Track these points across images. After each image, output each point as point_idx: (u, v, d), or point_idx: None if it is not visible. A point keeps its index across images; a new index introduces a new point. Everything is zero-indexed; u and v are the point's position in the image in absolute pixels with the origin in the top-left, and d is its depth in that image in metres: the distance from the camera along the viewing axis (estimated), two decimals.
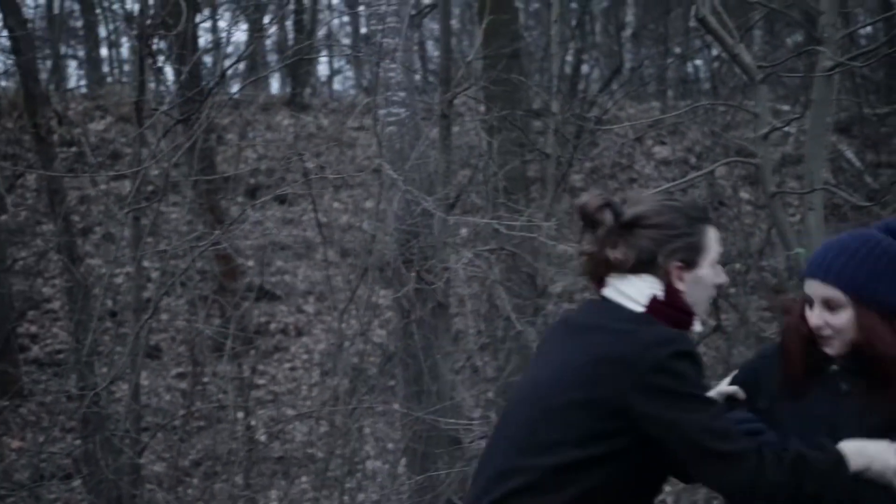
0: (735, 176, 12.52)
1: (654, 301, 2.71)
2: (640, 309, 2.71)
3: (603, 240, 2.73)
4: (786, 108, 13.21)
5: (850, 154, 13.09)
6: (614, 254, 2.71)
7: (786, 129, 13.40)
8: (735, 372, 3.03)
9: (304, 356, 10.97)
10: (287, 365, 10.96)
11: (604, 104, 12.28)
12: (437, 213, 5.70)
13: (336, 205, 11.12)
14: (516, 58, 9.83)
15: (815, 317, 2.77)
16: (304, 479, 7.72)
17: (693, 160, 13.15)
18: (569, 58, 15.45)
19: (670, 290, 2.72)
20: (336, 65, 15.68)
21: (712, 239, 2.80)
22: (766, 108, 5.69)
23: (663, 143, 14.50)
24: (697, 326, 2.79)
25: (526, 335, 6.00)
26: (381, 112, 6.46)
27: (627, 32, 16.50)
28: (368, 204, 8.18)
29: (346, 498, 6.70)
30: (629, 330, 2.65)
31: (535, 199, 9.39)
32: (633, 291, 2.72)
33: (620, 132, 13.71)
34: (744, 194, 13.01)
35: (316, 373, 9.58)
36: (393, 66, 6.38)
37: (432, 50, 15.73)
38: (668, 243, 2.72)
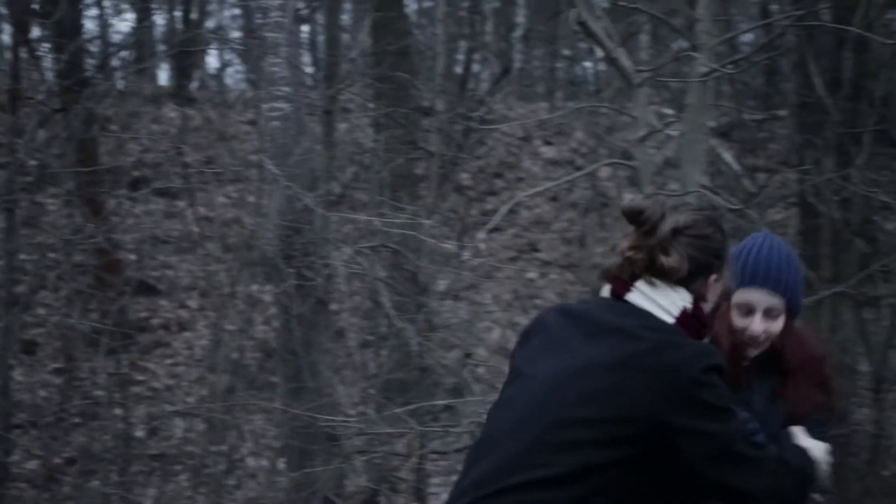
0: (618, 178, 12.73)
1: (684, 313, 2.70)
2: (670, 319, 2.69)
3: (655, 246, 2.69)
4: (669, 111, 13.48)
5: (728, 158, 13.41)
6: (669, 261, 2.69)
7: (669, 132, 13.68)
8: None
9: (186, 352, 10.79)
10: (168, 361, 10.77)
11: (491, 104, 12.39)
12: (318, 210, 5.67)
13: (221, 199, 10.98)
14: (405, 55, 9.82)
15: (757, 324, 2.88)
16: (182, 476, 7.62)
17: (579, 161, 13.34)
18: (460, 56, 15.54)
19: (697, 303, 2.73)
20: (226, 58, 15.47)
21: (730, 252, 2.85)
22: (643, 112, 5.81)
23: (550, 144, 14.65)
24: (706, 341, 2.80)
25: (407, 333, 6.01)
26: (265, 107, 6.42)
27: (518, 33, 16.62)
28: (252, 199, 8.09)
29: (224, 495, 6.64)
30: (665, 341, 2.64)
31: (422, 197, 9.41)
32: (666, 302, 2.70)
33: (509, 131, 13.85)
34: (628, 195, 13.23)
35: (197, 369, 9.45)
36: (277, 60, 6.34)
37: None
38: (712, 255, 2.73)
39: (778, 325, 2.88)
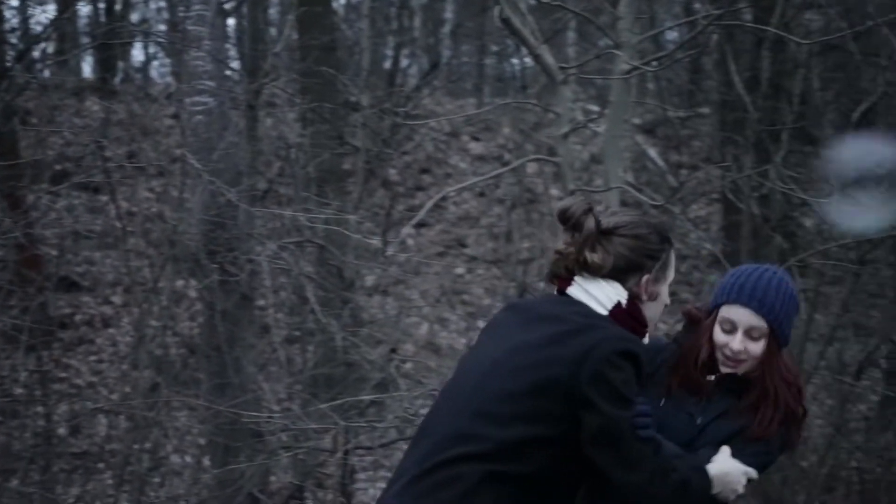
0: (545, 174, 12.82)
1: (617, 307, 2.84)
2: (603, 312, 2.83)
3: (582, 243, 2.83)
4: (595, 107, 13.60)
5: (653, 154, 13.59)
6: (593, 257, 2.83)
7: (595, 128, 13.80)
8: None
9: (111, 348, 10.66)
10: (92, 357, 10.62)
11: (419, 99, 12.40)
12: (242, 205, 5.64)
13: (145, 194, 10.85)
14: (332, 50, 9.79)
15: (738, 342, 2.97)
16: (105, 474, 7.52)
17: (506, 157, 13.40)
18: (389, 52, 15.51)
19: (633, 300, 2.86)
20: (151, 52, 15.27)
21: (673, 260, 2.96)
22: (566, 108, 5.86)
23: (478, 140, 14.71)
24: (646, 340, 2.91)
25: (332, 328, 6.00)
26: (189, 101, 6.36)
27: (446, 29, 16.66)
28: (176, 194, 8.01)
29: (148, 493, 6.57)
30: (591, 324, 2.78)
31: (348, 193, 9.39)
32: (601, 294, 2.84)
33: (437, 127, 13.87)
34: (554, 191, 13.33)
35: (121, 366, 9.33)
36: (200, 54, 6.29)
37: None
38: (645, 256, 2.86)
39: (758, 346, 2.95)
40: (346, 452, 5.29)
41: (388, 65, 14.87)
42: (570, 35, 16.14)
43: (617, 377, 2.72)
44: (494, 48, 15.89)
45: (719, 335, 2.99)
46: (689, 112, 13.84)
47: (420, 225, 13.47)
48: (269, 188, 7.01)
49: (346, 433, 5.31)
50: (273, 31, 12.03)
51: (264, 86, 6.24)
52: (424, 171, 13.93)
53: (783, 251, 8.12)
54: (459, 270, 12.43)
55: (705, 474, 2.92)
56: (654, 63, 5.92)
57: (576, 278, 2.88)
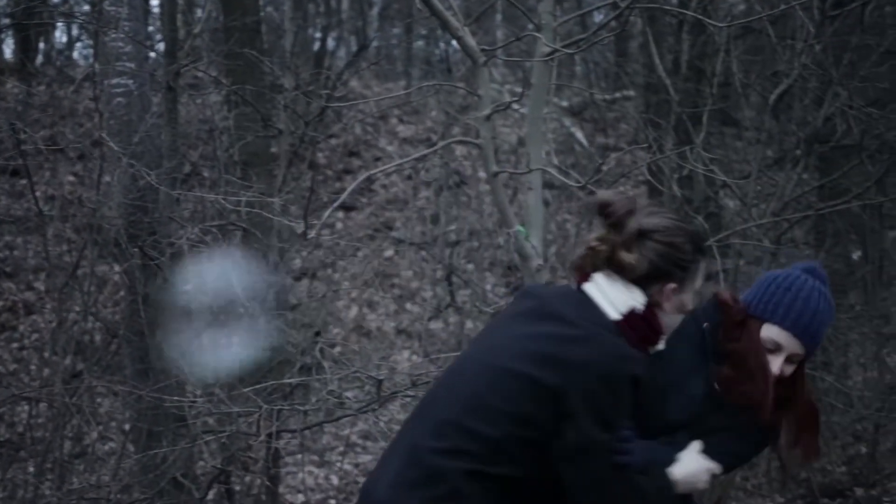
0: (473, 156, 12.88)
1: (631, 313, 2.74)
2: (615, 317, 2.74)
3: (621, 242, 2.75)
4: (520, 90, 13.65)
5: (580, 136, 13.70)
6: (629, 258, 2.74)
7: (522, 109, 13.86)
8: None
9: (34, 335, 10.52)
10: (15, 344, 10.48)
11: (348, 81, 12.35)
12: (163, 188, 5.60)
13: (67, 178, 10.70)
14: (257, 32, 9.73)
15: (778, 366, 2.92)
16: (27, 462, 7.43)
17: (434, 139, 13.43)
18: (318, 34, 15.44)
19: (651, 307, 2.76)
20: (75, 33, 15.03)
21: (701, 270, 2.86)
22: (488, 90, 5.88)
23: (406, 123, 14.71)
24: (661, 346, 2.83)
25: (255, 312, 5.99)
26: (108, 83, 6.29)
27: (374, 11, 16.62)
28: (96, 177, 7.90)
29: (71, 480, 6.50)
30: (596, 334, 2.68)
31: (274, 176, 9.35)
32: (617, 298, 2.75)
33: (365, 110, 13.83)
34: (482, 174, 13.38)
35: (43, 352, 9.21)
36: (120, 35, 6.22)
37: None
38: (674, 265, 2.76)
39: (791, 368, 2.92)
40: (271, 436, 5.29)
41: (316, 47, 14.80)
42: (499, 18, 16.21)
43: (608, 399, 2.64)
44: (423, 31, 15.90)
45: (773, 365, 2.92)
46: (614, 95, 13.99)
47: (349, 208, 13.45)
48: (192, 171, 6.95)
49: (270, 416, 5.30)
50: (200, 12, 11.93)
51: (183, 67, 6.17)
52: (353, 154, 13.91)
53: (705, 232, 8.24)
54: (388, 253, 12.46)
55: (669, 486, 2.85)
56: (575, 46, 5.94)
57: (596, 275, 2.79)
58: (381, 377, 5.20)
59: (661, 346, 2.82)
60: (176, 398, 5.44)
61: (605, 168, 6.75)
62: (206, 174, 7.56)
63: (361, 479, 9.23)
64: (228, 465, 5.79)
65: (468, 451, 2.66)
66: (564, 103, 14.46)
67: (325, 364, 5.70)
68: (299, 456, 8.25)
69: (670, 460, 2.89)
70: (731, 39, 7.29)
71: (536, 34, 5.77)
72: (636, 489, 2.76)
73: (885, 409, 7.98)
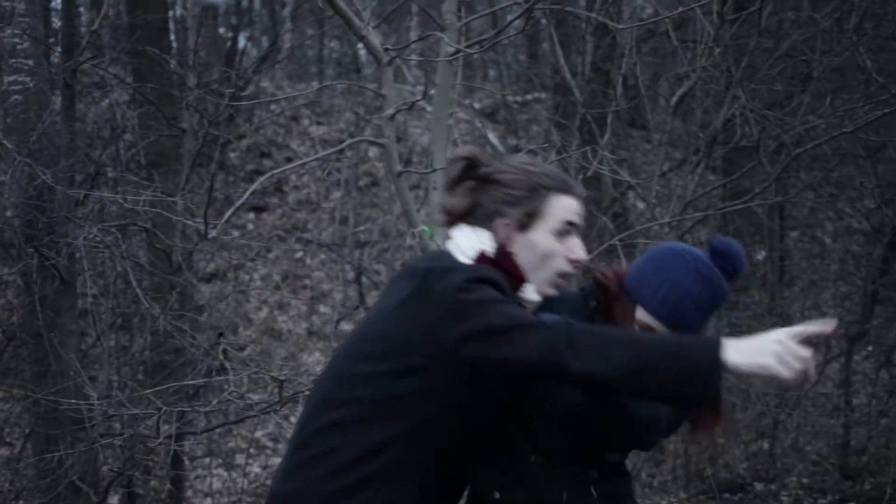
0: (385, 158, 12.85)
1: (481, 256, 2.68)
2: (466, 261, 2.68)
3: (450, 190, 2.72)
4: (432, 92, 13.71)
5: (493, 138, 13.78)
6: (448, 200, 2.71)
7: (429, 109, 13.90)
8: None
9: None
10: None
11: (258, 81, 12.26)
12: (59, 188, 5.50)
13: None
14: (164, 31, 9.61)
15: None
16: None
17: (346, 140, 13.40)
18: (230, 34, 15.29)
19: (502, 249, 2.69)
20: None
21: (558, 207, 2.71)
22: (391, 90, 5.89)
23: (320, 124, 14.65)
24: (530, 294, 2.70)
25: (158, 314, 5.91)
26: (6, 80, 6.16)
27: (286, 10, 16.52)
28: None
29: None
30: (442, 266, 2.62)
31: (178, 176, 9.24)
32: (465, 242, 2.70)
33: (277, 110, 13.75)
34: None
35: None
36: (16, 31, 6.10)
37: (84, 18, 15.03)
38: (503, 203, 2.69)
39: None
40: (172, 438, 5.22)
41: (227, 47, 14.66)
42: (414, 21, 16.24)
43: (472, 297, 2.51)
44: (336, 31, 15.86)
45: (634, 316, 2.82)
46: (526, 97, 14.10)
47: (259, 209, 13.36)
48: (96, 172, 6.83)
49: (173, 419, 5.23)
50: (106, 7, 11.73)
51: (81, 64, 6.07)
52: (264, 155, 13.81)
53: (611, 233, 8.35)
54: (299, 255, 12.39)
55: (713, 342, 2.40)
56: (478, 46, 5.97)
57: (452, 229, 2.76)
58: (283, 378, 5.17)
59: (531, 294, 2.70)
60: (74, 401, 5.35)
61: None
62: (110, 174, 7.43)
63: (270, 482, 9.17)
64: (129, 468, 5.70)
65: (346, 420, 2.60)
66: (477, 105, 14.53)
67: (228, 365, 5.64)
68: (206, 459, 8.16)
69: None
70: (635, 42, 7.38)
71: (440, 34, 5.79)
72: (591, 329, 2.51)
73: (783, 405, 8.16)
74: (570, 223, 2.72)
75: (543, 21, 9.53)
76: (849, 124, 6.11)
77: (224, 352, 5.73)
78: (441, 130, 6.18)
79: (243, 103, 6.48)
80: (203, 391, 6.25)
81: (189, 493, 7.73)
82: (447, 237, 2.79)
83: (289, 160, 13.91)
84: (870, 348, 9.15)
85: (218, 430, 6.79)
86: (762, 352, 2.38)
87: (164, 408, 5.07)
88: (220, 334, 5.91)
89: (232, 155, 13.18)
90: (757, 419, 8.52)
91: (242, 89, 7.74)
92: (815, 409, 8.58)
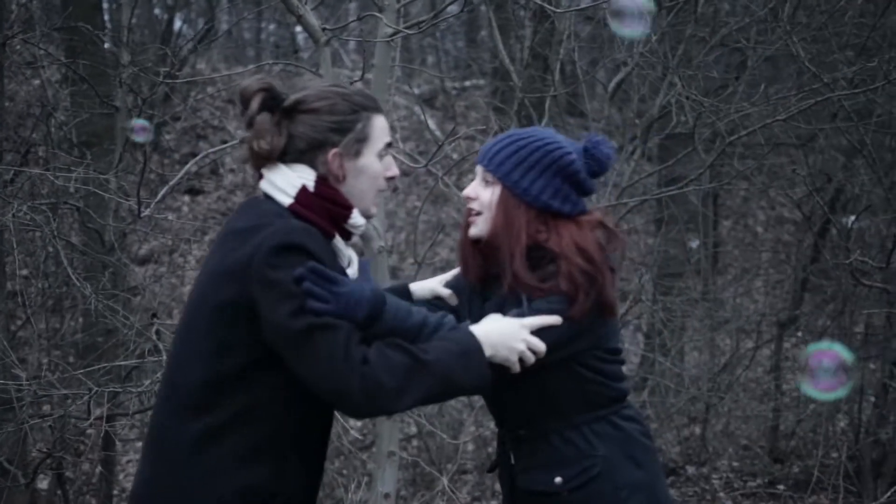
0: None
1: (303, 192, 2.54)
2: (288, 201, 2.54)
3: (250, 127, 2.56)
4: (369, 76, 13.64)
5: (432, 124, 13.76)
6: (259, 143, 2.53)
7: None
8: (454, 272, 3.13)
9: None
10: None
11: (192, 63, 12.11)
12: None
13: None
14: (97, 8, 9.45)
15: (470, 188, 2.96)
16: None
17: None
18: (166, 15, 15.07)
19: (323, 180, 2.56)
20: None
21: (379, 128, 2.65)
22: (329, 71, 5.85)
23: None
24: (358, 219, 2.63)
25: (89, 294, 5.82)
26: None
27: None
28: None
29: None
30: (257, 225, 2.48)
31: (110, 155, 9.10)
32: (283, 182, 2.55)
33: (214, 93, 13.61)
34: None
35: None
36: None
37: None
38: (329, 130, 2.56)
39: (488, 193, 2.90)
40: (103, 420, 5.15)
41: (162, 27, 14.46)
42: (353, 5, 16.16)
43: (280, 276, 2.42)
44: (275, 14, 15.73)
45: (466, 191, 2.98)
46: (464, 83, 14.11)
47: (196, 192, 13.21)
48: (27, 150, 6.70)
49: (104, 401, 5.16)
50: None
51: (10, 39, 5.94)
52: (201, 137, 13.66)
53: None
54: None
55: (471, 339, 2.56)
56: (417, 27, 5.95)
57: (263, 170, 2.62)
58: None
59: (358, 219, 2.64)
60: (2, 381, 5.25)
61: (447, 149, 6.77)
62: (41, 153, 7.30)
63: None
64: (60, 450, 5.62)
65: (179, 407, 2.51)
66: (416, 91, 14.51)
67: (162, 346, 5.58)
68: (132, 442, 8.07)
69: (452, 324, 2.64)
70: (572, 28, 7.41)
71: (378, 14, 5.77)
72: (393, 350, 2.48)
73: (715, 390, 8.27)
74: (389, 144, 2.69)
75: (483, 7, 9.53)
76: (782, 112, 6.18)
77: (157, 333, 5.66)
78: None
79: (178, 81, 6.38)
80: (136, 373, 6.17)
81: (121, 476, 7.65)
82: (268, 181, 2.60)
83: (225, 143, 13.78)
84: (799, 334, 9.30)
85: (140, 413, 6.72)
86: (507, 349, 2.63)
87: (96, 388, 5.00)
88: (154, 315, 5.84)
89: (167, 137, 13.02)
90: (688, 404, 8.63)
91: (179, 69, 7.62)
92: (745, 394, 8.71)
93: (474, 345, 2.59)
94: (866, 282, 6.79)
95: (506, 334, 2.63)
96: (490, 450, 8.46)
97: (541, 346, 2.70)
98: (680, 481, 8.35)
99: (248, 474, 2.48)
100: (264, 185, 2.61)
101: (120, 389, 5.22)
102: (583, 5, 7.42)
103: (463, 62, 14.75)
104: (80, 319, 6.87)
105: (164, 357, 5.57)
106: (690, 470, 8.49)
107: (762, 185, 9.05)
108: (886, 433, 7.55)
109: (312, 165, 2.58)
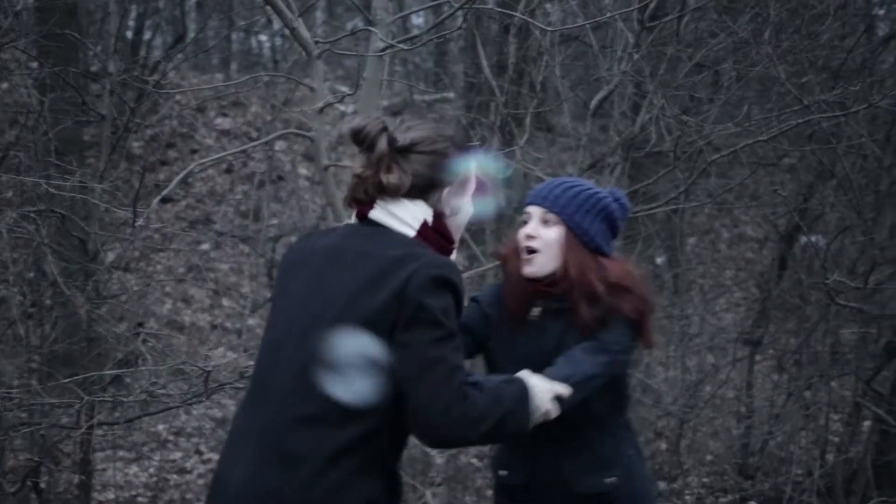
0: (293, 151, 12.79)
1: (424, 226, 2.74)
2: (411, 233, 2.73)
3: (377, 164, 2.72)
4: (344, 88, 13.68)
5: None
6: (389, 178, 2.71)
7: (342, 107, 13.88)
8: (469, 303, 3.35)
9: None
10: None
11: (164, 70, 12.06)
12: None
13: None
14: (72, 15, 9.39)
15: (531, 227, 3.22)
16: None
17: (254, 133, 13.29)
18: (131, 22, 14.99)
19: (438, 216, 2.77)
20: None
21: (469, 169, 2.87)
22: (322, 84, 5.88)
23: (225, 115, 14.49)
24: (454, 255, 2.83)
25: (75, 302, 5.79)
26: None
27: (192, 1, 16.29)
28: None
29: None
30: (406, 255, 2.65)
31: (91, 164, 9.05)
32: (406, 215, 2.74)
33: (182, 101, 13.56)
34: (301, 170, 13.32)
35: None
36: None
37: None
38: (442, 170, 2.76)
39: (551, 233, 3.19)
40: (88, 429, 5.12)
41: (131, 35, 14.39)
42: (319, 16, 16.17)
43: (436, 305, 2.60)
44: (242, 22, 15.70)
45: (520, 232, 3.24)
46: (435, 96, 14.16)
47: (165, 200, 13.15)
48: (5, 155, 6.64)
49: (88, 409, 5.13)
50: None
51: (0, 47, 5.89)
52: (170, 145, 13.61)
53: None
54: (205, 246, 12.24)
55: (517, 408, 2.75)
56: (408, 43, 6.00)
57: (378, 201, 2.77)
58: (209, 369, 5.12)
59: (454, 255, 2.85)
60: None
61: None
62: (20, 158, 7.24)
63: (171, 476, 9.04)
64: (45, 458, 5.58)
65: (321, 417, 2.60)
66: (385, 102, 14.55)
67: (149, 356, 5.56)
68: (110, 452, 8.03)
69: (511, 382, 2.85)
70: (553, 45, 7.49)
71: (371, 28, 5.80)
72: (480, 405, 2.66)
73: (692, 406, 8.37)
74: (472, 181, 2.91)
75: (469, 21, 9.60)
76: (764, 133, 6.29)
77: (143, 341, 5.65)
78: None
79: (166, 91, 6.36)
80: (120, 382, 6.14)
81: (99, 486, 7.59)
82: (388, 212, 2.75)
83: (194, 152, 13.74)
84: (771, 352, 9.44)
85: (129, 422, 6.68)
86: (538, 409, 2.84)
87: (87, 397, 4.97)
88: (140, 324, 5.82)
89: (135, 145, 12.95)
90: (662, 419, 8.72)
91: (163, 76, 7.60)
92: (716, 412, 8.82)
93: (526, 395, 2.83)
94: (841, 301, 6.92)
95: (539, 397, 2.85)
96: (463, 460, 8.50)
97: (565, 394, 2.94)
98: None
99: (370, 488, 2.62)
100: (380, 215, 2.77)
101: (110, 399, 5.20)
102: (566, 25, 7.51)
103: (432, 75, 14.81)
104: (60, 327, 6.79)
105: (152, 366, 5.55)
106: (662, 486, 8.57)
107: (743, 205, 9.18)
108: (857, 451, 7.69)
109: (427, 201, 2.78)
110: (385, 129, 2.76)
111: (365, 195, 2.78)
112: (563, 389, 2.93)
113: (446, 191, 2.80)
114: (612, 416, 3.29)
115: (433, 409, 2.59)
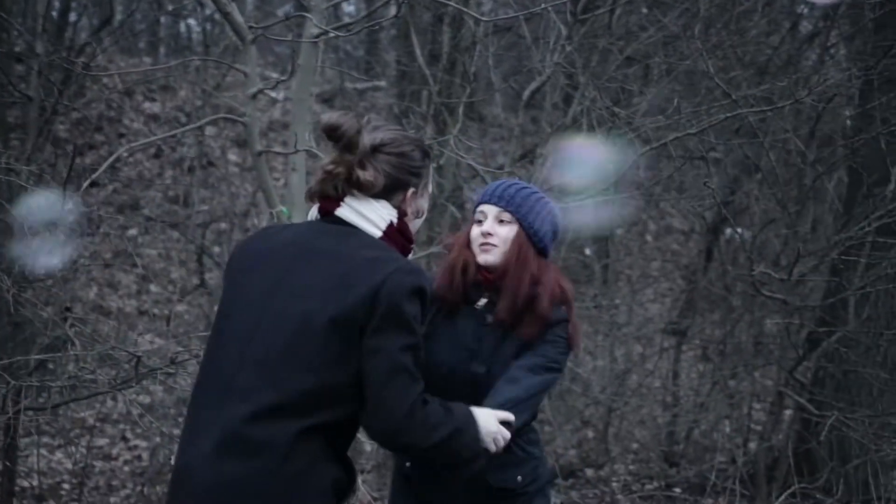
0: (224, 137, 12.67)
1: (390, 227, 2.81)
2: (378, 234, 2.80)
3: (357, 162, 2.78)
4: (275, 75, 13.59)
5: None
6: (365, 175, 2.78)
7: (273, 94, 13.80)
8: None
9: None
10: None
11: (93, 53, 11.88)
12: None
13: None
14: None
15: (488, 224, 3.37)
16: None
17: (183, 118, 13.13)
18: (57, 3, 14.70)
19: (401, 218, 2.85)
20: None
21: (432, 175, 3.01)
22: (255, 69, 5.85)
23: (154, 100, 14.31)
24: (411, 255, 2.93)
25: (4, 283, 5.69)
26: None
27: None
28: None
29: None
30: (376, 258, 2.72)
31: (15, 146, 8.89)
32: (374, 215, 2.81)
33: (110, 84, 13.36)
34: (231, 156, 13.21)
35: None
36: None
37: None
38: (409, 173, 2.85)
39: (506, 230, 3.35)
40: (21, 413, 5.05)
41: (56, 16, 14.11)
42: (251, 0, 16.02)
43: (410, 311, 2.69)
44: (170, 6, 15.50)
45: (475, 230, 3.39)
46: (367, 84, 14.12)
47: (92, 184, 12.94)
48: None
49: (20, 394, 5.06)
50: None
51: None
52: (97, 129, 13.39)
53: (456, 220, 8.50)
54: (133, 232, 12.08)
55: (468, 412, 2.90)
56: (343, 30, 5.99)
57: (346, 199, 2.82)
58: (139, 354, 5.07)
59: (411, 256, 2.96)
60: None
61: None
62: None
63: (96, 463, 8.93)
64: None
65: (284, 406, 2.63)
66: (316, 90, 14.47)
67: (77, 341, 5.50)
68: (34, 437, 7.89)
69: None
70: (486, 35, 7.53)
71: (306, 14, 5.79)
72: (437, 414, 2.77)
73: (617, 395, 8.48)
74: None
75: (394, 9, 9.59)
76: (693, 126, 6.39)
77: (71, 326, 5.58)
78: (302, 112, 6.17)
79: (98, 73, 6.27)
80: (41, 367, 6.06)
81: (23, 472, 7.47)
82: (355, 211, 2.81)
83: (121, 136, 13.53)
84: (697, 342, 9.60)
85: (56, 408, 6.59)
86: (488, 434, 2.97)
87: (13, 382, 4.90)
88: (68, 308, 5.75)
89: (61, 128, 12.73)
90: (590, 407, 8.83)
91: (92, 58, 7.48)
92: (643, 400, 8.95)
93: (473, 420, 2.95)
94: (766, 292, 7.06)
95: (491, 429, 2.98)
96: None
97: (507, 436, 3.05)
98: (580, 483, 8.54)
99: (333, 471, 2.69)
100: (347, 213, 2.82)
101: (38, 384, 5.13)
102: (499, 16, 7.55)
103: (363, 63, 14.77)
104: None
105: (80, 351, 5.49)
106: (589, 472, 8.68)
107: (671, 197, 9.30)
108: (779, 439, 7.86)
109: (391, 202, 2.85)
110: (361, 129, 2.80)
111: (334, 191, 2.81)
112: (506, 415, 3.06)
113: (411, 192, 2.88)
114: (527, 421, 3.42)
115: (397, 411, 2.68)
